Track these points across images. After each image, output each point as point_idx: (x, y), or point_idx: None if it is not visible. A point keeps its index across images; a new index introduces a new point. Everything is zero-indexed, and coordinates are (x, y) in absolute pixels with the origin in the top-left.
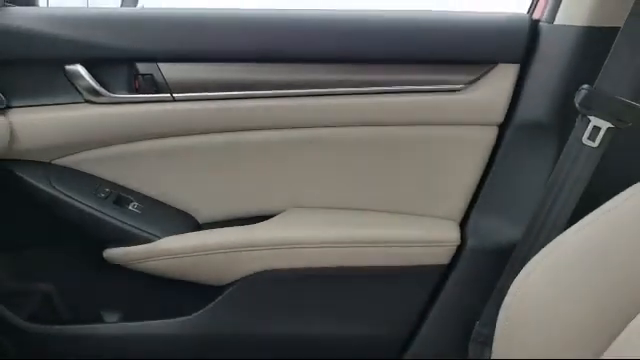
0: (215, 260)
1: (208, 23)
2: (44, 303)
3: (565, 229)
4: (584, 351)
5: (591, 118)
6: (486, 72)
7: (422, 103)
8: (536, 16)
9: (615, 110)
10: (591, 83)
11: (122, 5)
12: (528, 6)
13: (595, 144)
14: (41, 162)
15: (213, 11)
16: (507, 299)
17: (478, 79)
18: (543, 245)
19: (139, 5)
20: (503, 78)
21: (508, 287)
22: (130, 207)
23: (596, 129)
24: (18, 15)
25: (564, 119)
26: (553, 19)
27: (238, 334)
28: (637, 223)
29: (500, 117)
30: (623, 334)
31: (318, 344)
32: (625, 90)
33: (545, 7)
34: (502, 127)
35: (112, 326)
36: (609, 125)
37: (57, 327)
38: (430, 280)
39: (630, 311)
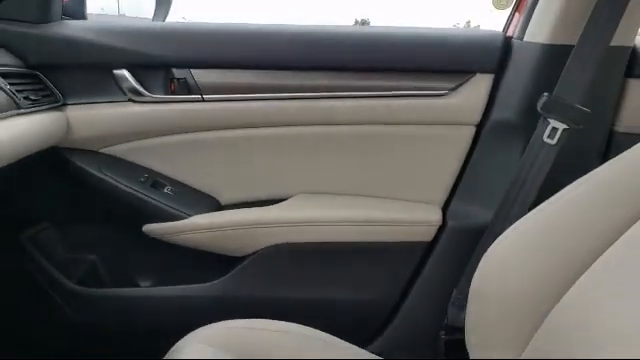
0: (237, 235)
1: (233, 36)
2: (90, 270)
3: (528, 211)
4: (533, 313)
5: (550, 120)
6: (466, 80)
7: (412, 106)
8: (509, 34)
9: (570, 114)
10: (551, 91)
11: (154, 15)
12: (503, 25)
13: (553, 142)
14: (91, 151)
15: (237, 26)
16: (478, 269)
17: (459, 86)
18: (510, 224)
19: (180, 16)
20: (480, 86)
21: (479, 259)
22: (165, 190)
23: (554, 129)
24: (74, 27)
25: (529, 121)
26: (522, 37)
27: (254, 297)
28: (587, 206)
29: (477, 118)
30: (557, 307)
31: (320, 306)
32: (578, 98)
33: (516, 26)
34: (479, 127)
35: (146, 290)
36: (565, 126)
37: (101, 290)
38: (416, 254)
39: (561, 286)
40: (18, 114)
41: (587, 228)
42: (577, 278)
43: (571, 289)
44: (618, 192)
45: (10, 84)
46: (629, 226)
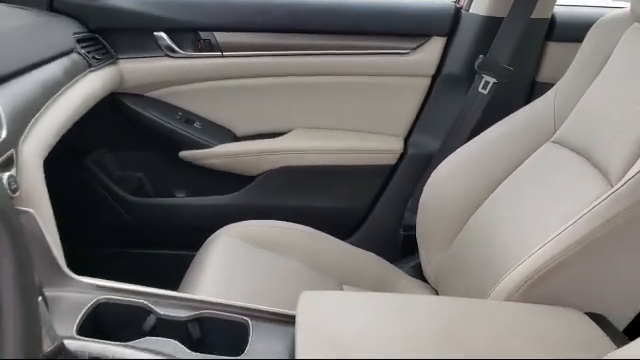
0: (249, 160)
1: (245, 6)
2: (139, 185)
3: (466, 142)
4: (459, 218)
5: (484, 76)
6: (424, 42)
7: (383, 61)
8: (459, 5)
9: (498, 72)
10: (486, 54)
11: None
12: None
13: (486, 92)
14: (139, 95)
15: None
16: (426, 185)
17: (419, 46)
18: (451, 152)
19: None
20: (435, 46)
21: (428, 178)
22: (195, 125)
23: (487, 83)
24: None
25: (469, 75)
26: (469, 9)
27: (263, 204)
28: (504, 141)
29: (432, 71)
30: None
31: (311, 211)
32: (505, 59)
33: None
34: (433, 78)
35: (182, 199)
36: (494, 80)
37: (147, 199)
38: (383, 174)
39: (480, 199)
40: (90, 71)
41: (501, 157)
42: (490, 193)
43: (485, 202)
44: (524, 130)
45: (82, 47)
46: (527, 157)
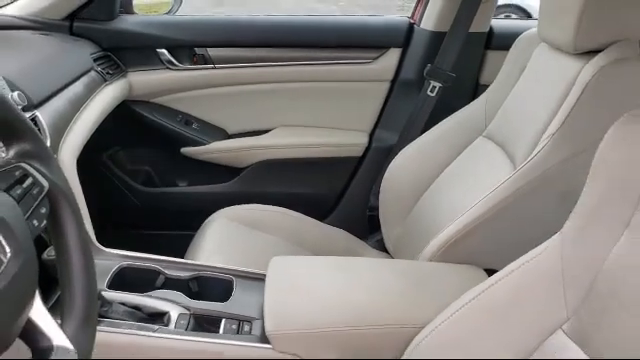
0: (240, 154)
1: (233, 25)
2: (147, 177)
3: (418, 137)
4: (411, 199)
5: (431, 81)
6: (383, 53)
7: (349, 69)
8: (413, 20)
9: (443, 77)
10: (432, 63)
11: (173, 4)
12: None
13: (433, 94)
14: (145, 101)
15: (235, 18)
16: (386, 172)
17: (379, 56)
18: (405, 145)
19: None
20: (392, 56)
21: (387, 166)
22: (193, 125)
23: (434, 87)
24: (129, 22)
25: (420, 80)
26: (420, 24)
27: (251, 191)
28: (448, 134)
29: (390, 77)
30: (423, 196)
31: (291, 197)
32: (448, 67)
33: (416, 15)
34: (392, 82)
35: (184, 187)
36: (440, 85)
37: (154, 188)
38: (351, 164)
39: (427, 183)
40: (105, 85)
41: (444, 149)
42: (435, 179)
43: (431, 186)
44: (462, 127)
45: (98, 65)
46: (464, 149)
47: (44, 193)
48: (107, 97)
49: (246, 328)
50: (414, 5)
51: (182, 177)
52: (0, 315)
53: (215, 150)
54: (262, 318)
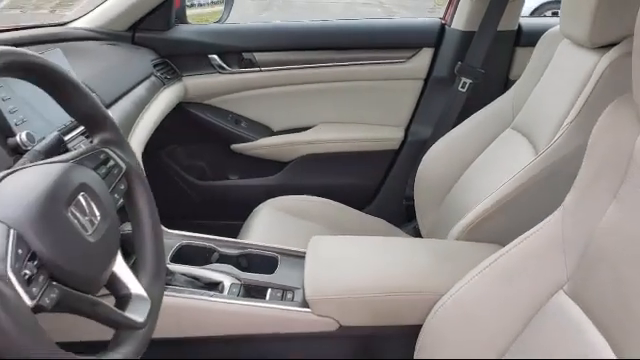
0: (284, 149)
1: (275, 32)
2: (201, 171)
3: (450, 130)
4: (444, 188)
5: (462, 78)
6: (417, 52)
7: (385, 69)
8: (444, 21)
9: (473, 74)
10: (463, 60)
11: (223, 12)
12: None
13: (464, 90)
14: (198, 103)
15: (277, 25)
16: (421, 164)
17: (413, 56)
18: (439, 138)
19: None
20: (425, 55)
21: (422, 158)
22: (242, 124)
23: (465, 83)
24: (183, 31)
25: (452, 77)
26: (450, 24)
27: (295, 183)
28: (481, 125)
29: (424, 75)
30: (456, 185)
31: (333, 188)
32: (478, 64)
33: (447, 16)
34: (425, 80)
35: (235, 181)
36: (470, 81)
37: (208, 182)
38: (389, 157)
39: (460, 172)
40: (164, 89)
41: (474, 141)
42: (466, 169)
43: (462, 175)
44: (491, 120)
45: (157, 70)
46: (493, 140)
47: (122, 173)
48: (165, 99)
49: (289, 296)
50: (445, 6)
51: (232, 171)
52: (93, 263)
53: (262, 146)
54: (303, 287)
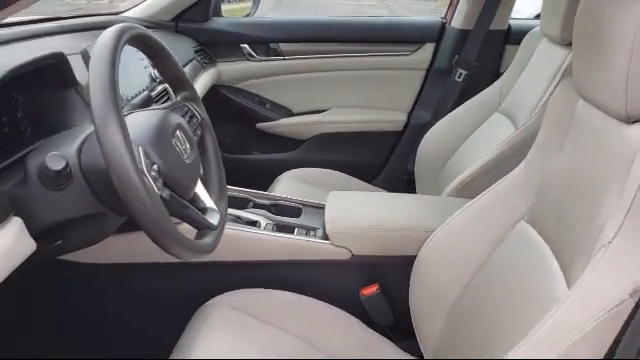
0: (302, 128)
1: (297, 25)
2: (229, 146)
3: (445, 115)
4: (440, 162)
5: (459, 69)
6: (420, 46)
7: (392, 60)
8: (444, 20)
9: (467, 66)
10: (460, 54)
11: (252, 6)
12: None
13: (460, 80)
14: (230, 86)
15: (298, 19)
16: (421, 143)
17: (417, 49)
18: (437, 121)
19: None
20: (427, 49)
21: (422, 138)
22: (266, 105)
23: (460, 74)
24: (218, 22)
25: (450, 69)
26: (450, 23)
27: (311, 158)
28: (473, 111)
29: (426, 66)
30: (449, 160)
31: (343, 162)
32: (473, 57)
33: (447, 16)
34: (427, 70)
35: (257, 155)
36: (466, 72)
37: (234, 155)
38: (393, 137)
39: (452, 150)
40: (202, 72)
41: (467, 124)
42: (460, 146)
43: (455, 152)
44: (481, 106)
45: (197, 56)
46: (483, 122)
47: (199, 122)
48: (203, 81)
49: (312, 233)
50: (446, 8)
51: (256, 147)
52: (187, 178)
53: (282, 125)
54: (323, 227)
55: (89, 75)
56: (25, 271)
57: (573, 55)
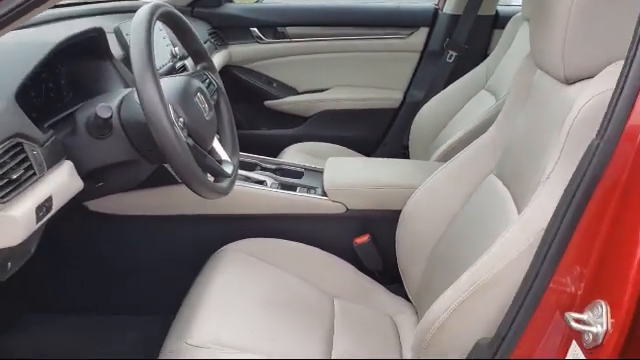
0: (307, 105)
1: (301, 10)
2: (239, 122)
3: (437, 93)
4: (432, 137)
5: (450, 51)
6: (415, 30)
7: (389, 43)
8: (437, 6)
9: (458, 48)
10: (450, 38)
11: None
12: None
13: (450, 61)
14: (240, 66)
15: (302, 4)
16: (415, 118)
17: (412, 33)
18: (428, 100)
19: None
20: (422, 33)
21: (416, 114)
22: (273, 85)
23: (451, 55)
24: (230, 7)
25: (442, 51)
26: (442, 9)
27: (316, 133)
28: (461, 89)
29: (420, 48)
30: (439, 135)
31: (345, 138)
32: (463, 40)
33: (440, 2)
34: (421, 52)
35: (266, 131)
36: (456, 54)
37: (244, 131)
38: (390, 114)
39: (442, 129)
40: (215, 53)
41: (456, 100)
42: (450, 120)
43: (446, 125)
44: (469, 84)
45: (211, 38)
46: (470, 99)
47: (215, 88)
48: (216, 62)
49: (312, 191)
50: None
51: (264, 123)
52: (207, 132)
53: (289, 103)
54: (322, 186)
55: (130, 45)
56: (63, 221)
57: (530, 28)
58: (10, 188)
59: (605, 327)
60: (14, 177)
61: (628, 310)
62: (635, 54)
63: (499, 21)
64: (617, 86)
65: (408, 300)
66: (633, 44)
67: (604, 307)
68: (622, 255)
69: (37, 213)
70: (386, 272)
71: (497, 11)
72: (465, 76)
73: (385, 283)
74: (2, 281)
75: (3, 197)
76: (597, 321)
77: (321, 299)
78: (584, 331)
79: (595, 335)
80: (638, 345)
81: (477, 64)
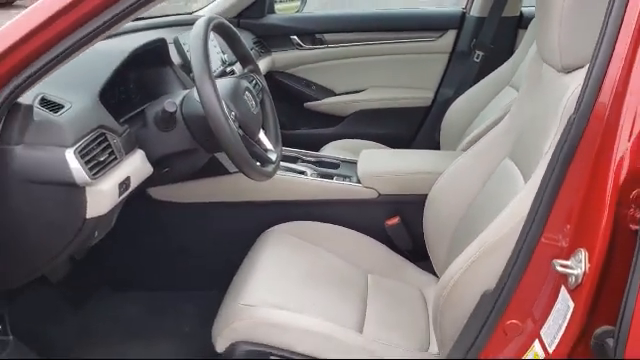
0: (342, 106)
1: (337, 18)
2: (282, 123)
3: (465, 91)
4: (460, 130)
5: (477, 51)
6: (444, 33)
7: (419, 45)
8: (464, 9)
9: (485, 48)
10: (477, 38)
11: (301, 2)
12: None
13: (477, 61)
14: (282, 71)
15: (338, 13)
16: (445, 116)
17: (441, 36)
18: (457, 97)
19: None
20: (450, 35)
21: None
22: (312, 87)
23: (478, 55)
24: (273, 18)
25: (469, 51)
26: (470, 12)
27: (352, 132)
28: (490, 86)
29: (449, 50)
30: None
31: (380, 135)
32: (489, 41)
33: (467, 6)
34: (450, 54)
35: (306, 131)
36: (482, 54)
37: (287, 131)
38: (422, 112)
39: (467, 126)
40: (260, 60)
41: (484, 95)
42: (477, 116)
43: (474, 120)
44: (497, 81)
45: (256, 47)
46: (497, 94)
47: (261, 88)
48: (261, 68)
49: (347, 179)
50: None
51: (304, 123)
52: (255, 124)
53: (327, 104)
54: (356, 175)
55: (191, 52)
56: (131, 209)
57: (536, 22)
58: (98, 168)
59: (584, 269)
60: (101, 159)
61: (600, 253)
62: (603, 38)
63: (523, 21)
64: (588, 69)
65: (436, 276)
66: (601, 33)
67: (583, 253)
68: (596, 210)
69: (119, 189)
70: (415, 251)
71: (522, 12)
72: (491, 74)
73: (415, 261)
74: (81, 257)
75: (95, 174)
76: (578, 265)
77: (356, 274)
78: (568, 274)
79: (577, 277)
80: (609, 282)
81: (503, 62)
